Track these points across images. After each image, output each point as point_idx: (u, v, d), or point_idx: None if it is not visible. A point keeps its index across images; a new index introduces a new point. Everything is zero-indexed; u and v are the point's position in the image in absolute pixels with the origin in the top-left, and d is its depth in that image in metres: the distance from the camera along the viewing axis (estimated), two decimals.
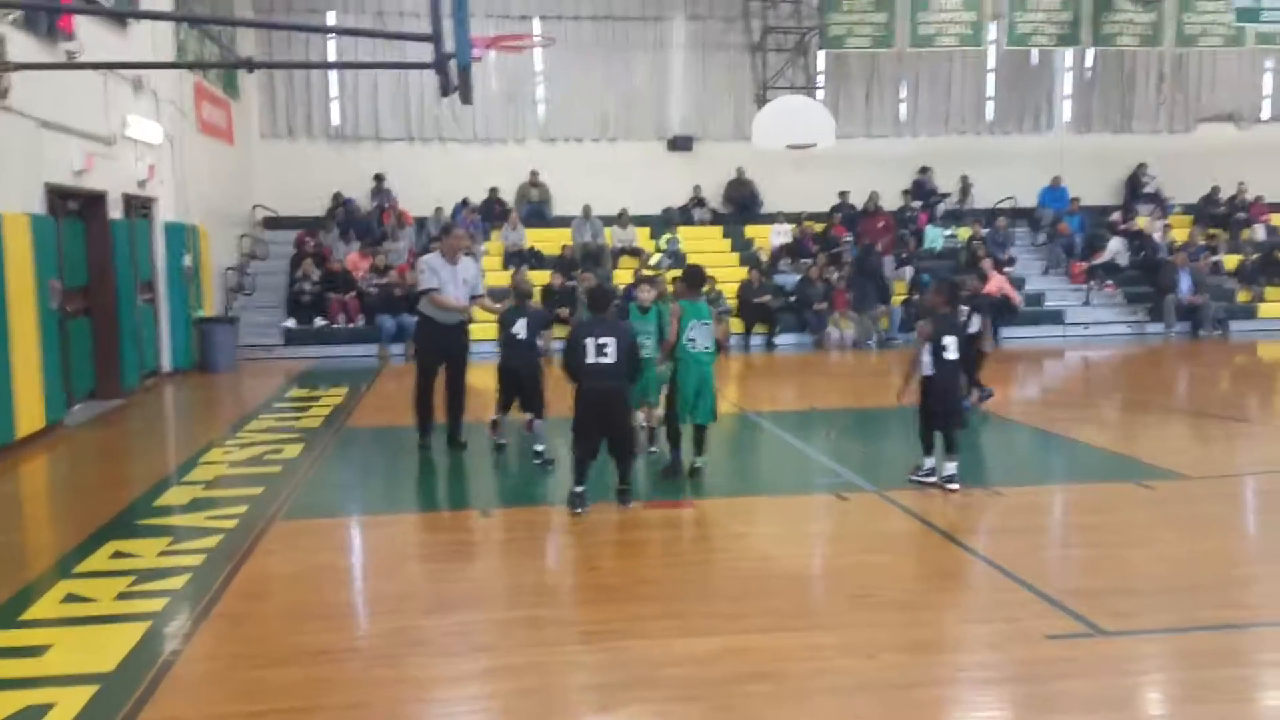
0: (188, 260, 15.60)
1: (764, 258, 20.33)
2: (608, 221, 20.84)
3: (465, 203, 20.96)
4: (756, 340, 18.71)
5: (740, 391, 13.74)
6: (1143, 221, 21.78)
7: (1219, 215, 22.34)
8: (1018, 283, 19.85)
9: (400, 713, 4.41)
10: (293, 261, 18.91)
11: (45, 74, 10.92)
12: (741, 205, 22.10)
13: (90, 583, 5.98)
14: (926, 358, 7.81)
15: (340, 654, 4.96)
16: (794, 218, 21.29)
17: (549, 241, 20.35)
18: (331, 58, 20.91)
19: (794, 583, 5.99)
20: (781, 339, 18.78)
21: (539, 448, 8.74)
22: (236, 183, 19.74)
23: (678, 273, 18.63)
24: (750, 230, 21.55)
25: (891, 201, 21.99)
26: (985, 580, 6.00)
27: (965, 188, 22.43)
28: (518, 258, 19.72)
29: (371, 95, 21.23)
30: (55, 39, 11.45)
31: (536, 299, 9.87)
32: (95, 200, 12.74)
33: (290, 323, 18.07)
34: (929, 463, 7.92)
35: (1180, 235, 21.26)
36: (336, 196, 20.65)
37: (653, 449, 9.16)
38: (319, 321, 18.07)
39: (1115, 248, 20.88)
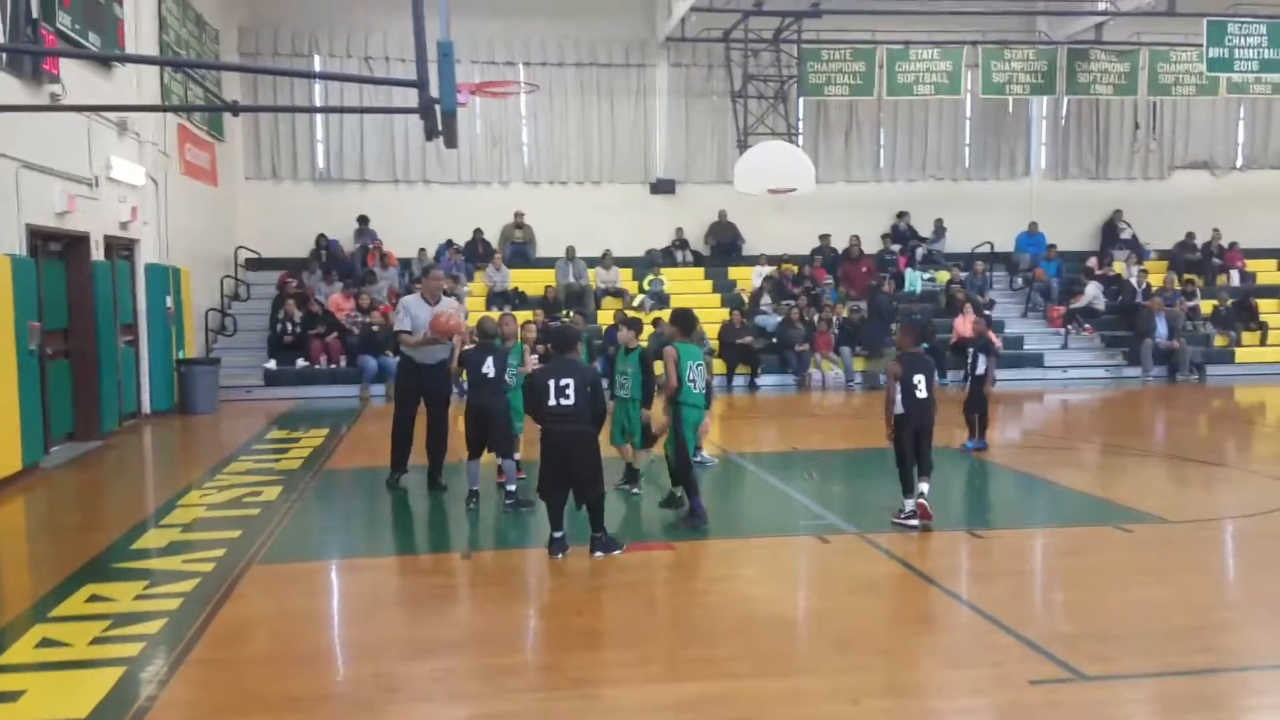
0: (169, 302, 15.56)
1: (745, 298, 20.47)
2: (591, 263, 20.96)
3: (450, 244, 21.05)
4: (739, 381, 18.80)
5: (722, 432, 13.75)
6: (1119, 267, 22.06)
7: (1194, 261, 22.65)
8: (997, 326, 20.02)
9: None
10: (275, 302, 18.90)
11: (28, 115, 10.96)
12: (724, 247, 22.28)
13: (66, 627, 5.91)
14: (898, 396, 7.93)
15: (317, 701, 4.91)
16: (775, 260, 21.46)
17: (533, 282, 20.44)
18: (317, 101, 21.06)
19: (776, 627, 5.97)
20: (764, 380, 18.89)
21: (510, 488, 8.70)
22: (219, 224, 19.75)
23: (660, 314, 18.78)
24: (733, 272, 21.70)
25: (871, 245, 22.24)
26: (967, 624, 6.01)
27: (939, 229, 22.70)
28: (501, 298, 19.79)
29: (356, 138, 21.35)
30: (40, 81, 11.49)
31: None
32: (77, 242, 12.73)
33: (271, 364, 18.01)
34: (909, 504, 7.96)
35: (1156, 280, 21.54)
36: (320, 238, 20.69)
37: (635, 490, 9.15)
38: (300, 362, 18.03)
39: (1092, 292, 21.12)
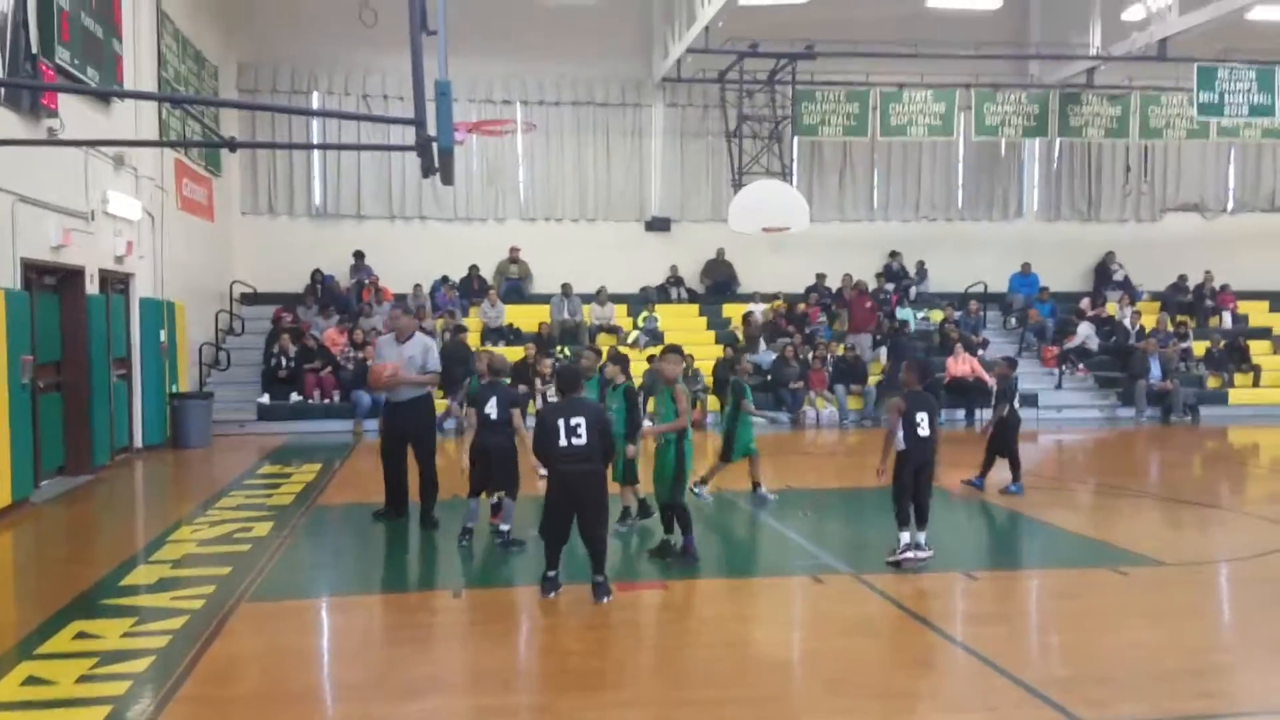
0: (163, 336, 15.54)
1: (740, 336, 20.49)
2: (586, 299, 21.00)
3: (445, 279, 21.09)
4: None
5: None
6: (1112, 308, 22.16)
7: (1187, 303, 22.76)
8: (990, 367, 20.05)
9: None
10: (269, 337, 18.89)
11: (25, 149, 11.00)
12: (718, 285, 22.35)
13: (52, 664, 5.84)
14: (900, 433, 7.94)
15: None
16: (770, 298, 21.54)
17: (528, 318, 20.46)
18: (315, 137, 21.17)
19: (770, 668, 5.92)
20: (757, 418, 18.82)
21: (504, 528, 8.62)
22: (215, 259, 19.78)
23: (654, 350, 18.79)
24: (727, 309, 21.75)
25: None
26: (963, 667, 5.96)
27: (921, 271, 22.82)
28: (496, 335, 19.80)
29: (354, 174, 21.46)
30: (38, 115, 11.54)
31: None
32: (72, 275, 12.72)
33: (265, 398, 17.96)
34: (905, 538, 7.95)
35: (1149, 322, 21.63)
36: (315, 273, 20.72)
37: (621, 527, 9.11)
38: (294, 397, 17.99)
39: (1085, 332, 21.20)
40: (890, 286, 22.50)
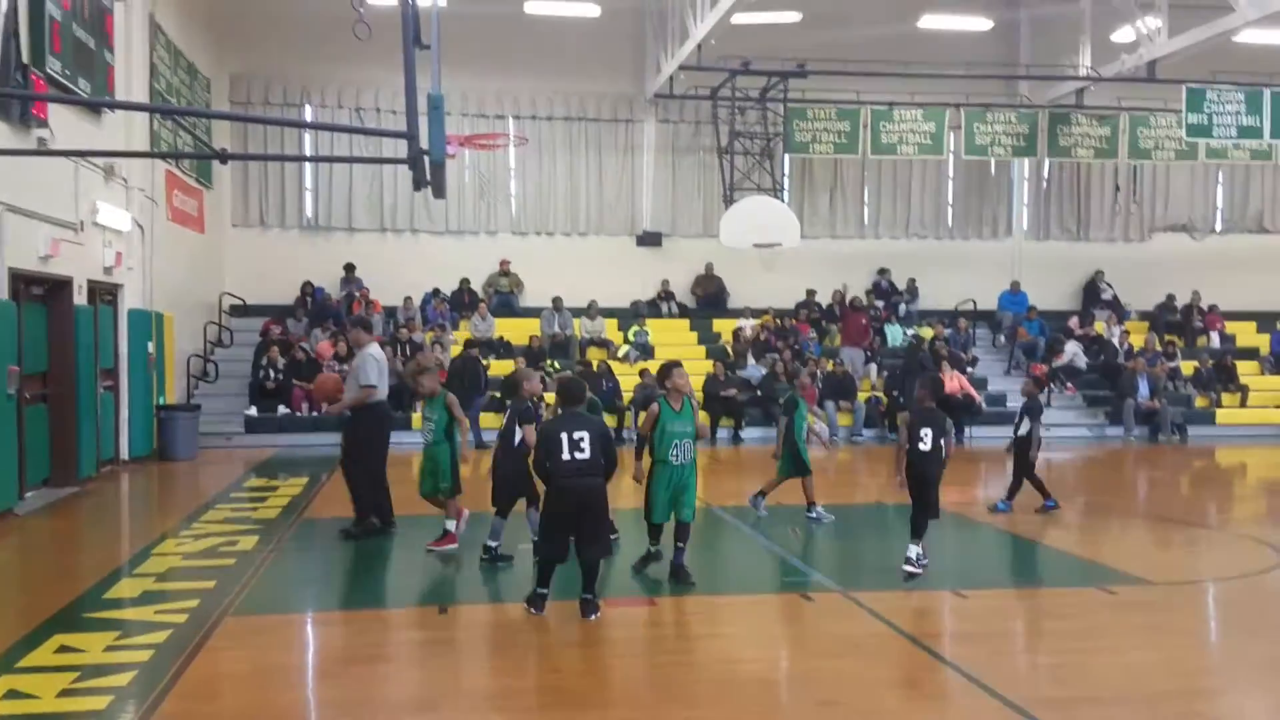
0: (151, 347, 15.47)
1: (731, 350, 20.50)
2: (577, 313, 21.00)
3: (436, 292, 21.07)
4: (722, 434, 18.78)
5: (705, 486, 13.67)
6: (1100, 327, 22.24)
7: (1175, 323, 22.86)
8: (979, 383, 20.13)
9: None
10: (258, 349, 18.82)
11: (15, 159, 10.96)
12: (709, 300, 22.37)
13: (33, 678, 5.77)
14: (907, 446, 8.19)
15: None
16: (760, 313, 21.56)
17: (518, 331, 20.43)
18: (307, 150, 21.19)
19: (760, 688, 5.89)
20: (747, 432, 18.86)
21: (492, 544, 8.53)
22: (205, 271, 19.73)
23: (645, 364, 18.78)
24: (718, 324, 21.76)
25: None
26: (953, 687, 5.94)
27: (913, 290, 22.88)
28: (486, 348, 19.75)
29: (345, 187, 21.44)
30: (28, 125, 11.51)
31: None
32: (60, 286, 12.67)
33: (252, 410, 17.88)
34: (912, 550, 8.14)
35: (1138, 341, 21.71)
36: (305, 285, 20.67)
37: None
38: (282, 410, 17.91)
39: (1072, 350, 21.26)
40: (880, 304, 22.56)
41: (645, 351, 20.26)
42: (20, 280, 11.56)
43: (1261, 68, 20.11)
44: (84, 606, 7.35)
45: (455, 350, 19.81)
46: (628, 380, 19.12)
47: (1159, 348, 21.44)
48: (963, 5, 21.62)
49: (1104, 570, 8.66)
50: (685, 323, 21.90)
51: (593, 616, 6.94)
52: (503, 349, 19.94)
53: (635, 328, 20.88)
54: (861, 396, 19.54)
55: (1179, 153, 21.50)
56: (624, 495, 9.55)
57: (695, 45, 18.37)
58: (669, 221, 22.52)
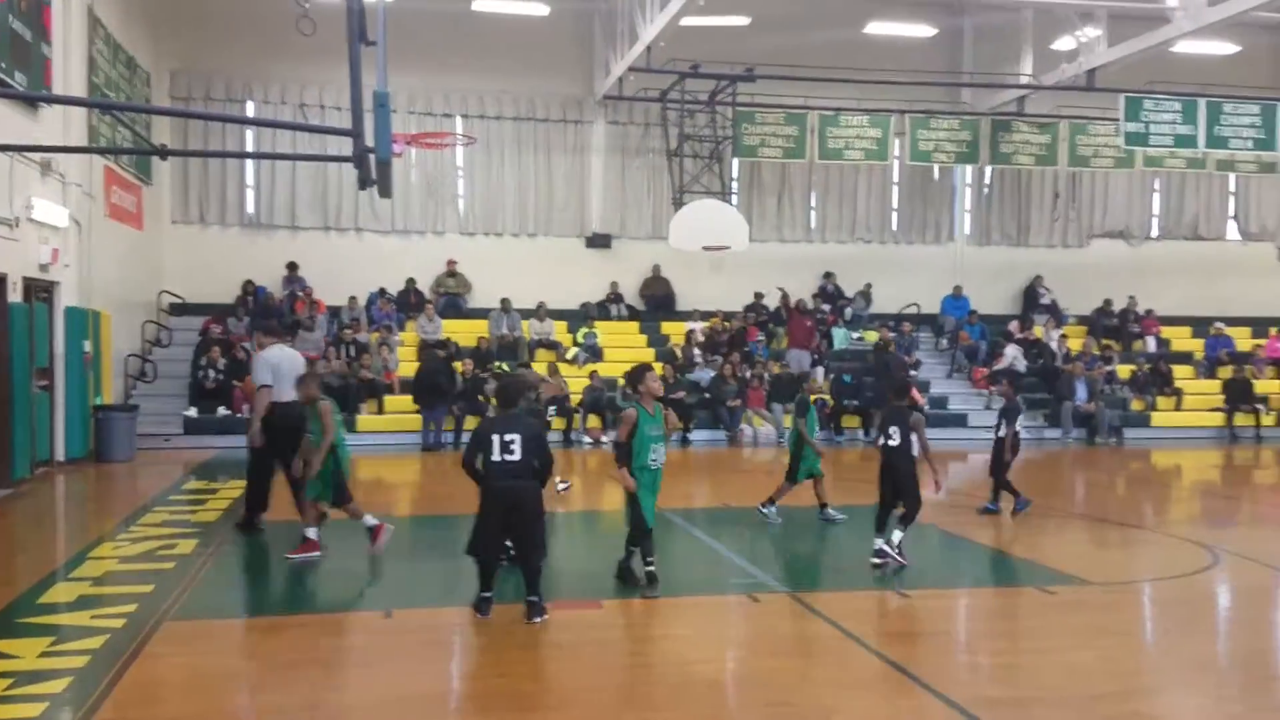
0: (88, 346, 15.13)
1: (679, 353, 20.56)
2: (525, 314, 20.91)
3: (382, 292, 20.85)
4: (671, 436, 18.80)
5: None
6: (1039, 331, 22.67)
7: (1112, 327, 23.37)
8: (923, 386, 20.39)
9: None
10: (198, 349, 18.48)
11: None
12: (658, 302, 22.41)
13: None
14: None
15: None
16: (709, 315, 21.65)
17: (465, 333, 20.28)
18: (250, 146, 20.85)
19: (709, 689, 5.91)
20: (696, 435, 18.93)
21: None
22: (144, 268, 19.33)
23: (594, 366, 18.77)
24: (666, 327, 21.81)
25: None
26: (897, 687, 6.00)
27: (867, 296, 23.11)
28: (434, 349, 19.58)
29: (288, 184, 21.14)
30: None
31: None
32: None
33: (191, 411, 17.56)
34: (879, 543, 8.52)
35: (1075, 345, 22.15)
36: (247, 284, 20.35)
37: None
38: (222, 410, 17.60)
39: (1012, 353, 21.64)
40: (826, 307, 22.77)
41: (595, 354, 20.24)
42: None
43: (1197, 78, 20.66)
44: (18, 612, 7.16)
45: (403, 352, 19.69)
46: (577, 382, 19.10)
47: (1096, 351, 21.90)
48: (908, 13, 21.92)
49: (1043, 570, 8.82)
50: (634, 325, 21.92)
51: (538, 619, 6.91)
52: (455, 350, 19.75)
53: (584, 330, 20.86)
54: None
55: (1117, 160, 21.99)
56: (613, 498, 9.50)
57: (645, 47, 18.41)
58: (618, 223, 22.53)
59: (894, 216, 23.95)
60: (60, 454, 14.45)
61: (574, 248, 22.40)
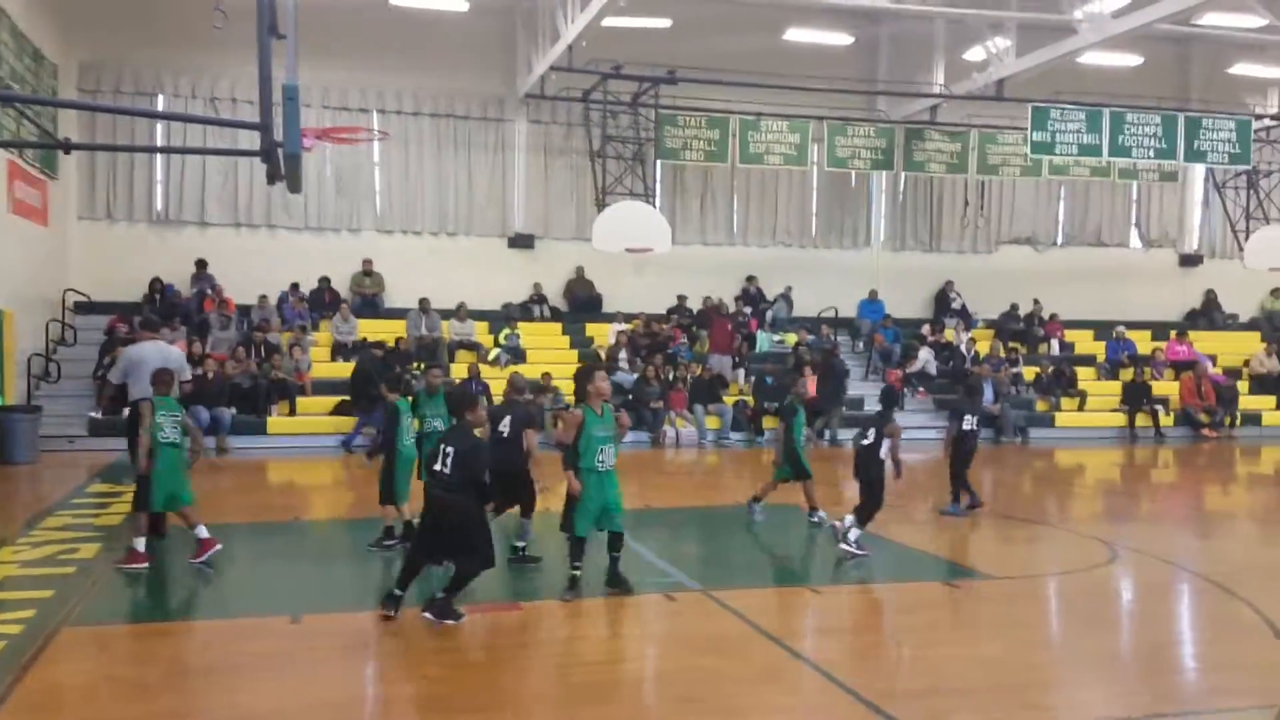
0: None
1: (603, 355, 20.56)
2: (445, 315, 20.68)
3: (295, 288, 20.41)
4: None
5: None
6: (950, 334, 23.22)
7: (1018, 330, 24.04)
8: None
9: None
10: (103, 348, 17.91)
11: None
12: (582, 304, 22.38)
13: None
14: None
15: None
16: (632, 318, 21.69)
17: (382, 333, 19.93)
18: (159, 140, 20.29)
19: (623, 688, 5.95)
20: None
21: (520, 544, 8.74)
22: (48, 265, 18.67)
23: (515, 368, 18.65)
24: (590, 329, 21.78)
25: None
26: (808, 683, 6.11)
27: (788, 300, 23.41)
28: (350, 350, 19.27)
29: (198, 179, 20.58)
30: None
31: None
32: None
33: (96, 413, 17.03)
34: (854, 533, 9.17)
35: (984, 348, 22.73)
36: (154, 282, 19.78)
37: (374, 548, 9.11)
38: (127, 412, 17.04)
39: (924, 357, 22.13)
40: (748, 310, 23.00)
41: (516, 355, 20.13)
42: None
43: (1101, 88, 21.31)
44: None
45: (316, 352, 19.34)
46: (497, 384, 18.95)
47: (1003, 354, 22.50)
48: (826, 21, 22.24)
49: (948, 565, 9.04)
50: (558, 326, 21.84)
51: (427, 615, 6.87)
52: (377, 350, 19.41)
53: (506, 330, 20.71)
54: (729, 400, 19.89)
55: (1024, 169, 22.61)
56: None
57: (566, 46, 18.36)
58: (542, 224, 22.44)
59: (814, 221, 24.29)
60: None
61: (496, 248, 22.24)
